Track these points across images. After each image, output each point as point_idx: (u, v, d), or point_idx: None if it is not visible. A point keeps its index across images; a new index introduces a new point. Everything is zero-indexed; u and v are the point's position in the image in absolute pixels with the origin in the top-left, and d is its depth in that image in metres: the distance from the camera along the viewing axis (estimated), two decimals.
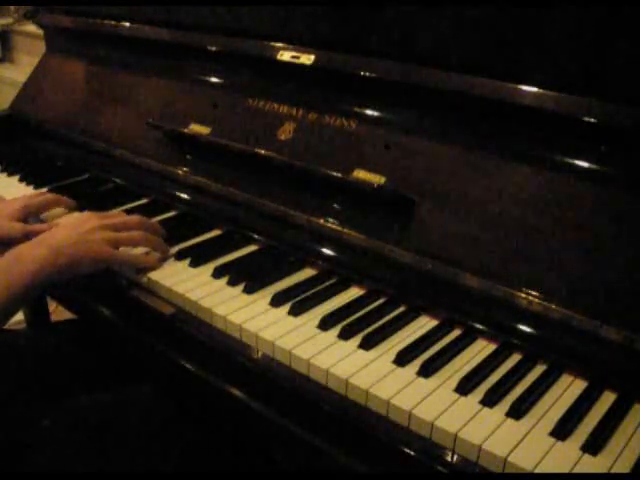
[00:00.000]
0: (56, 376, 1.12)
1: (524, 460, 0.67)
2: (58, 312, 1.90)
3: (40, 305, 1.72)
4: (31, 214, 1.13)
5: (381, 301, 0.94)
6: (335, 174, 1.02)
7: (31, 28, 2.82)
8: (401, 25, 1.03)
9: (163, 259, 1.01)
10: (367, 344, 0.83)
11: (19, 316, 1.76)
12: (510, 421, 0.72)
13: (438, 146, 0.98)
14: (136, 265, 0.99)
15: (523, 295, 0.84)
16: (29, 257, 0.89)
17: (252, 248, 1.08)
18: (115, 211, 1.17)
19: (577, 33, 0.88)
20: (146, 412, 1.01)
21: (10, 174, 1.38)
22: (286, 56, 1.13)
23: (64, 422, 0.97)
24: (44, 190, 1.28)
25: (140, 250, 1.02)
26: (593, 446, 0.69)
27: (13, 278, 0.87)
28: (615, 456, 0.69)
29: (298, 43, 1.13)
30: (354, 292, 0.96)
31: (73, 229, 0.95)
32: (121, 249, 0.98)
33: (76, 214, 1.18)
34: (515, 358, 0.83)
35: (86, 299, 1.08)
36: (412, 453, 0.71)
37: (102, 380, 1.11)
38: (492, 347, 0.85)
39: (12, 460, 0.90)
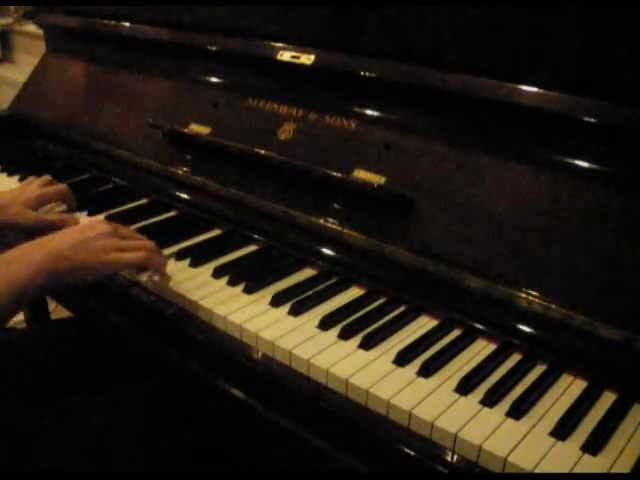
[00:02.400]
0: (56, 375, 1.11)
1: (524, 460, 0.67)
2: (58, 311, 1.90)
3: (40, 304, 1.72)
4: (46, 203, 1.16)
5: (381, 301, 0.94)
6: (335, 174, 1.02)
7: (31, 28, 2.82)
8: (401, 25, 1.03)
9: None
10: (367, 344, 0.83)
11: (19, 315, 1.76)
12: (510, 421, 0.72)
13: (438, 146, 0.98)
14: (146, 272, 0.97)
15: (523, 295, 0.84)
16: (25, 260, 0.86)
17: (252, 248, 1.08)
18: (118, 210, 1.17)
19: (577, 33, 0.88)
20: (146, 411, 1.00)
21: (10, 174, 1.38)
22: (286, 56, 1.14)
23: (64, 421, 0.96)
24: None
25: None
26: (593, 446, 0.69)
27: (7, 282, 0.84)
28: (615, 456, 0.69)
29: (298, 43, 1.14)
30: (354, 292, 0.96)
31: (79, 233, 0.92)
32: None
33: (86, 220, 1.17)
34: (515, 358, 0.83)
35: (85, 298, 1.08)
36: (412, 453, 0.71)
37: (101, 379, 1.11)
38: (492, 347, 0.85)
39: (12, 459, 0.90)
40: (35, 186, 1.17)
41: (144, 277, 0.98)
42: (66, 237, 0.92)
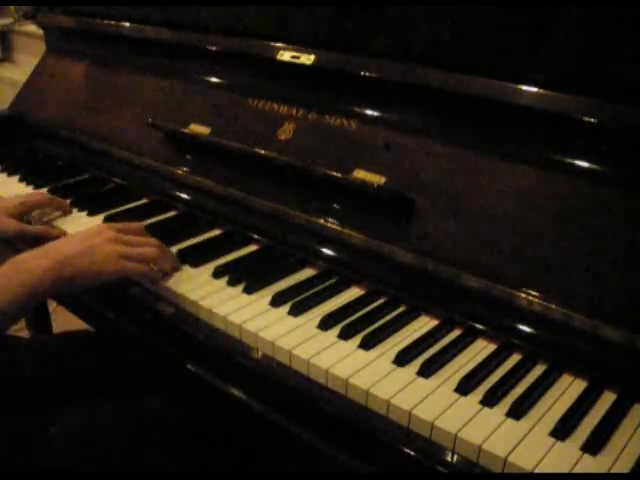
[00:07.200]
0: (58, 383, 1.11)
1: (524, 460, 0.67)
2: (58, 311, 1.90)
3: (41, 310, 1.72)
4: (28, 211, 1.14)
5: (381, 301, 0.94)
6: (335, 174, 1.02)
7: (31, 28, 2.82)
8: (401, 25, 1.03)
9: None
10: (367, 344, 0.83)
11: (21, 322, 1.76)
12: (510, 421, 0.72)
13: (438, 146, 0.98)
14: (149, 279, 0.96)
15: (523, 295, 0.84)
16: (28, 268, 0.85)
17: (252, 248, 1.08)
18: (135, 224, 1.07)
19: (577, 33, 0.88)
20: (146, 411, 1.00)
21: (10, 174, 1.38)
22: (286, 56, 1.13)
23: (68, 429, 0.96)
24: (44, 190, 1.28)
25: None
26: (593, 446, 0.69)
27: (10, 291, 0.83)
28: (615, 456, 0.69)
29: (298, 43, 1.13)
30: (354, 292, 0.96)
31: (84, 240, 0.91)
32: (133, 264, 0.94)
33: (92, 225, 1.15)
34: (515, 358, 0.83)
35: (84, 299, 1.08)
36: (412, 453, 0.71)
37: (102, 382, 1.10)
38: (492, 347, 0.85)
39: (12, 461, 0.90)
40: (16, 195, 1.15)
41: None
42: (71, 244, 0.91)
